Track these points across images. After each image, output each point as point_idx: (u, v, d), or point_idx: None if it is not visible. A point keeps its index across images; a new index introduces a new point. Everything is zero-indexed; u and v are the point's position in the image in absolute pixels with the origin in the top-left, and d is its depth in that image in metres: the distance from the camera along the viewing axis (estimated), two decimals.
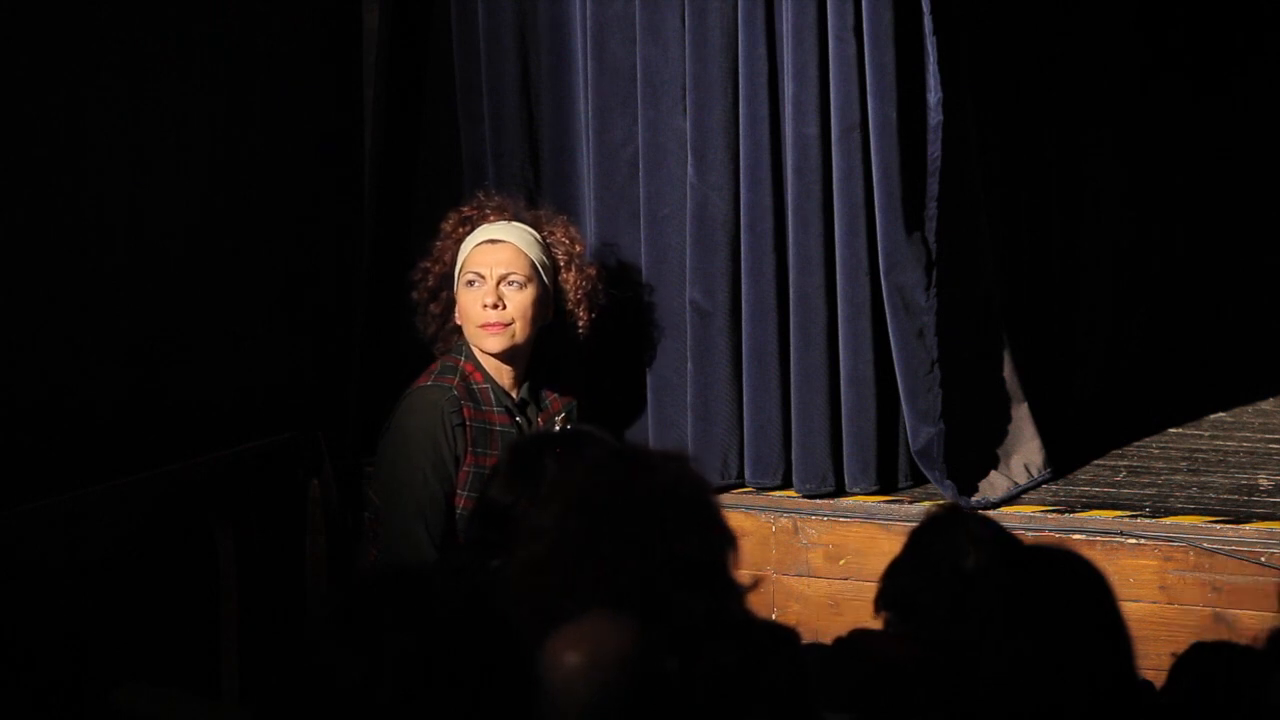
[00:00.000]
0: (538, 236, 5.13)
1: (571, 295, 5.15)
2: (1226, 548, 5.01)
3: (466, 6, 5.63)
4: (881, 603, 3.71)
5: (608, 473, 3.36)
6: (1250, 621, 4.76)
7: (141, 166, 5.20)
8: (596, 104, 5.48)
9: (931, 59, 5.21)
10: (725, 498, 5.18)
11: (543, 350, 5.15)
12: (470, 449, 4.92)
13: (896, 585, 3.69)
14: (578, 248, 5.19)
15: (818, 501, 5.36)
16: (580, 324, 5.17)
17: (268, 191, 5.58)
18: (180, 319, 5.32)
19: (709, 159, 5.38)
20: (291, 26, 5.64)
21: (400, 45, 5.70)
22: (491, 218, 5.15)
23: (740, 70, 5.34)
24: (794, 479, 5.41)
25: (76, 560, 4.78)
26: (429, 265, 5.17)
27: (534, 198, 5.46)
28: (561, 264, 5.15)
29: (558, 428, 5.09)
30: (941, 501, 5.20)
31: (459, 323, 5.10)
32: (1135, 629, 3.30)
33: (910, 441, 5.38)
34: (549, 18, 5.56)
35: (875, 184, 5.26)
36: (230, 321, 5.48)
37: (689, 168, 5.40)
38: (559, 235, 5.18)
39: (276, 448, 5.45)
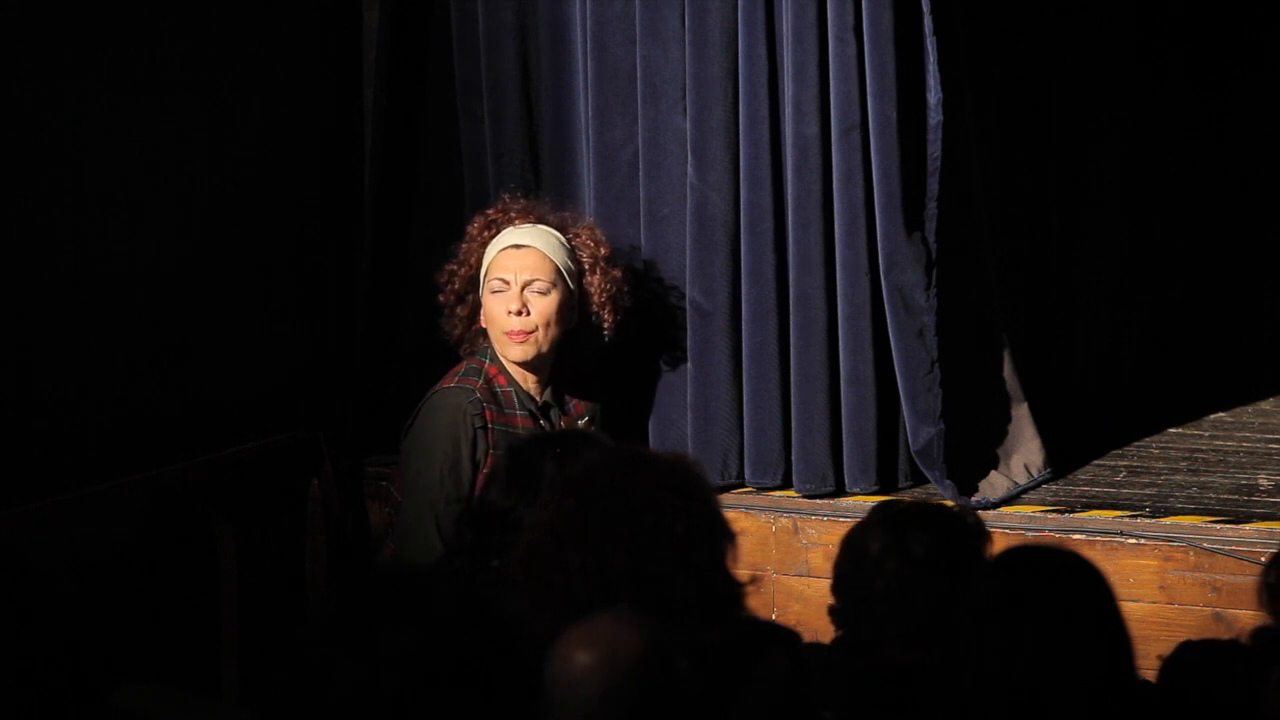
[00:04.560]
0: (563, 240, 5.13)
1: (596, 298, 5.15)
2: (1226, 548, 5.01)
3: (466, 6, 5.63)
4: (835, 600, 3.71)
5: (607, 468, 3.37)
6: (1250, 621, 4.75)
7: (142, 166, 5.20)
8: (596, 104, 5.48)
9: (931, 59, 5.21)
10: (725, 498, 5.18)
11: (567, 353, 5.15)
12: (491, 451, 4.92)
13: (843, 581, 3.71)
14: (603, 250, 5.19)
15: (818, 501, 5.36)
16: (605, 326, 5.18)
17: (267, 191, 5.59)
18: (180, 319, 5.33)
19: (709, 159, 5.38)
20: (291, 26, 5.64)
21: (400, 45, 5.70)
22: (517, 221, 5.15)
23: (740, 70, 5.34)
24: (794, 479, 5.41)
25: (76, 560, 4.78)
26: (455, 268, 5.18)
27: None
28: (587, 267, 5.15)
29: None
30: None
31: (485, 326, 5.11)
32: (1135, 629, 3.30)
33: (910, 441, 5.38)
34: (549, 18, 5.56)
35: (875, 184, 5.26)
36: (230, 322, 5.48)
37: (689, 168, 5.40)
38: (585, 238, 5.18)
39: (276, 448, 5.46)
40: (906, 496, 5.37)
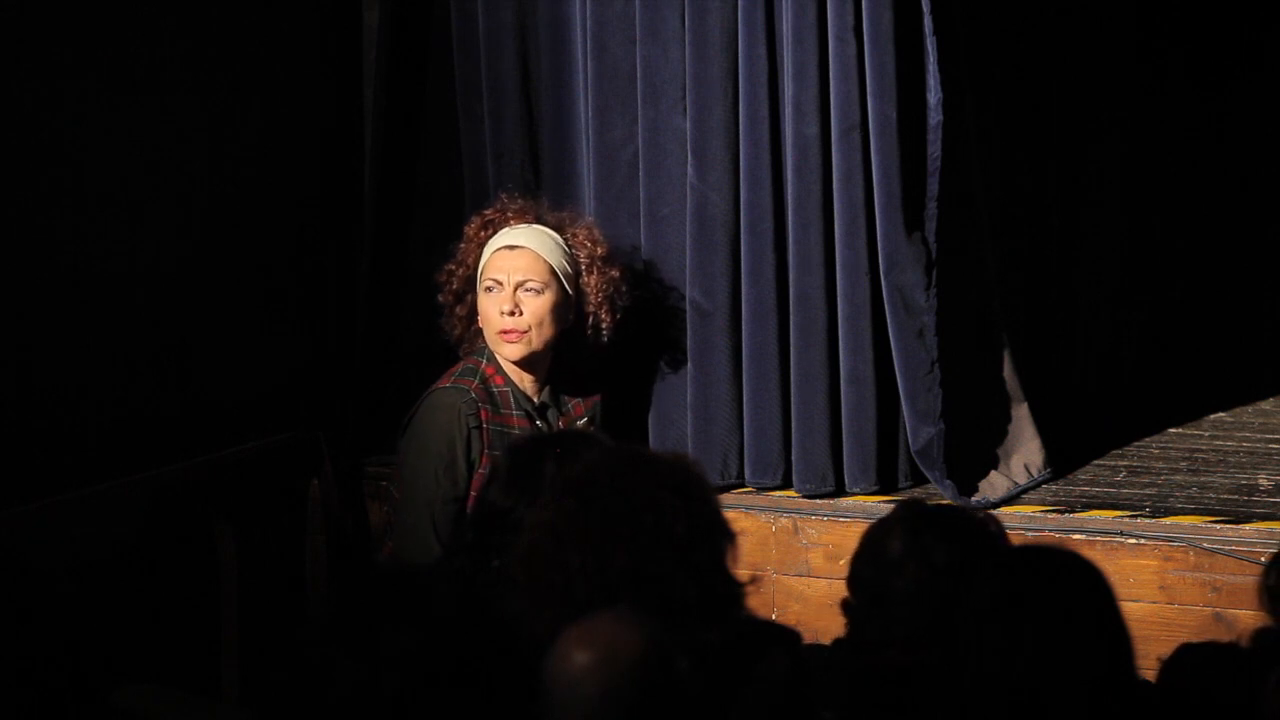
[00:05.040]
0: (559, 240, 5.13)
1: (593, 298, 5.15)
2: (1226, 548, 5.01)
3: (466, 6, 5.63)
4: (850, 595, 3.70)
5: (607, 468, 3.37)
6: (1250, 621, 4.75)
7: (142, 166, 5.20)
8: (596, 104, 5.48)
9: (931, 59, 5.21)
10: (725, 498, 5.18)
11: (564, 353, 5.15)
12: (486, 451, 4.93)
13: (860, 579, 3.69)
14: (600, 250, 5.19)
15: (818, 501, 5.36)
16: (603, 326, 5.18)
17: (267, 191, 5.59)
18: (180, 319, 5.33)
19: (709, 159, 5.38)
20: (292, 26, 5.64)
21: (400, 45, 5.70)
22: (514, 221, 5.16)
23: (740, 70, 5.34)
24: (794, 479, 5.41)
25: (76, 560, 4.78)
26: (453, 268, 5.19)
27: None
28: (584, 267, 5.15)
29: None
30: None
31: (481, 326, 5.12)
32: (1135, 629, 3.30)
33: (910, 441, 5.38)
34: (549, 18, 5.56)
35: (875, 184, 5.26)
36: (230, 322, 5.48)
37: (689, 168, 5.40)
38: (582, 238, 5.18)
39: (276, 448, 5.46)
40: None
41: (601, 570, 3.25)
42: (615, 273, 5.21)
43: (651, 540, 3.27)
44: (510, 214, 5.18)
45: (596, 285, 5.15)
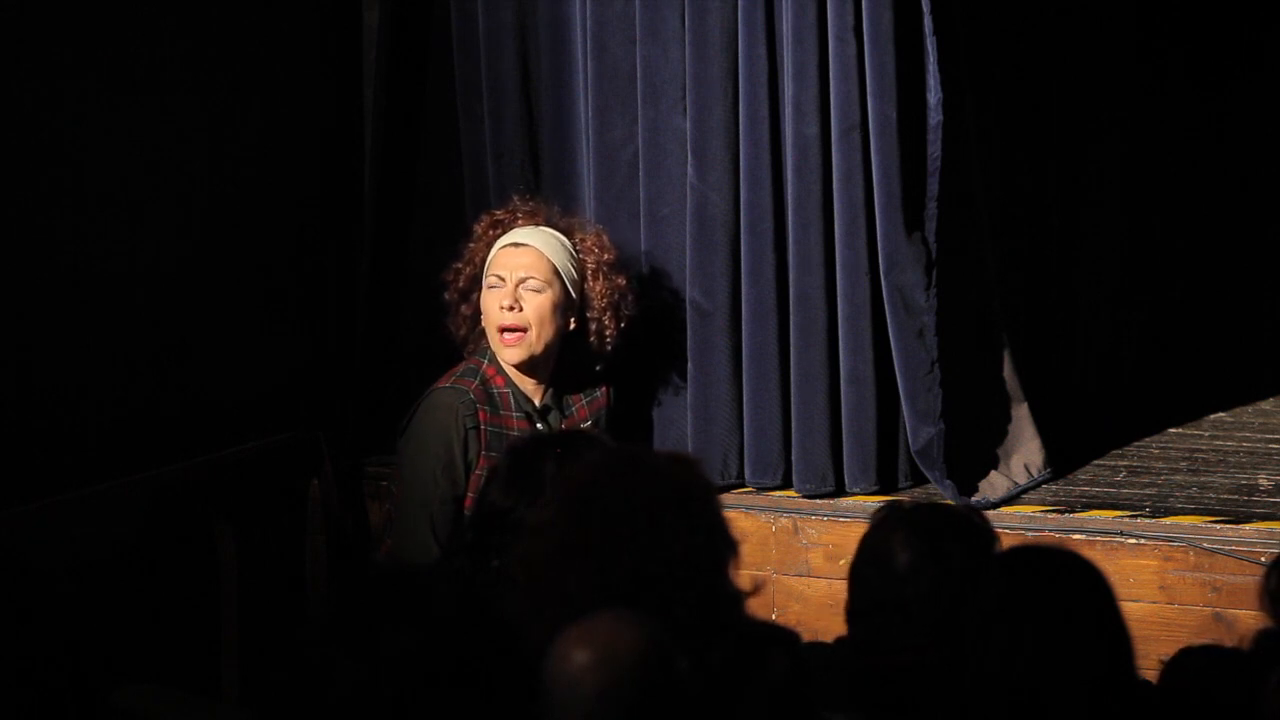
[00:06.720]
0: (565, 243, 5.13)
1: (597, 304, 5.15)
2: (1226, 548, 5.01)
3: (466, 6, 5.64)
4: (856, 610, 3.68)
5: (608, 470, 3.37)
6: (1250, 621, 4.75)
7: (142, 166, 5.20)
8: (596, 104, 5.48)
9: (931, 59, 5.21)
10: (725, 498, 5.17)
11: (567, 357, 5.15)
12: (484, 453, 4.93)
13: (866, 588, 3.67)
14: (607, 256, 5.19)
15: (818, 501, 5.36)
16: (607, 333, 5.17)
17: (267, 191, 5.59)
18: (180, 319, 5.33)
19: (709, 159, 5.38)
20: (292, 26, 5.64)
21: (400, 45, 5.70)
22: (521, 222, 5.16)
23: (740, 70, 5.34)
24: (794, 479, 5.41)
25: (76, 560, 4.78)
26: (460, 266, 5.20)
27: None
28: (589, 272, 5.15)
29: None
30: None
31: (484, 324, 5.12)
32: (1135, 629, 3.30)
33: (910, 441, 5.38)
34: (549, 18, 5.56)
35: (875, 184, 5.26)
36: (230, 322, 5.48)
37: (689, 168, 5.40)
38: (590, 243, 5.18)
39: (276, 448, 5.46)
40: (906, 497, 5.37)
41: (602, 571, 3.25)
42: (621, 280, 5.21)
43: (652, 541, 3.27)
44: (520, 215, 5.19)
45: (601, 291, 5.15)
